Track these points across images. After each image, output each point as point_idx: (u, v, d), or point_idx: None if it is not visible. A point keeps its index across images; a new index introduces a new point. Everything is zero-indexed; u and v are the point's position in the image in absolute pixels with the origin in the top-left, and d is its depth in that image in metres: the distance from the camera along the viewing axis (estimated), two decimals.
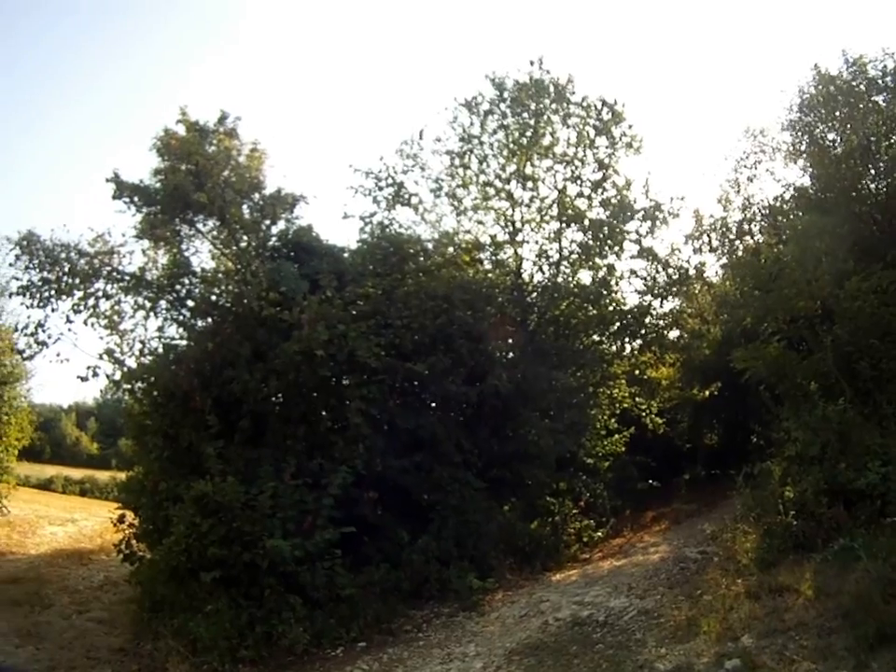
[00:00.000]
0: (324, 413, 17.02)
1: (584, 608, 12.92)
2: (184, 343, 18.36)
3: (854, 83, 17.76)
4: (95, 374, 17.83)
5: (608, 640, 11.08)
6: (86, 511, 30.54)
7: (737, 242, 21.57)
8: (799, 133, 18.93)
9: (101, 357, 17.81)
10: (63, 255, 17.98)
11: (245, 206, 19.20)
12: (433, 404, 18.35)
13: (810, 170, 18.69)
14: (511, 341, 20.52)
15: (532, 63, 22.02)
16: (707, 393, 24.72)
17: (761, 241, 20.44)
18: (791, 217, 18.76)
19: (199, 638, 12.83)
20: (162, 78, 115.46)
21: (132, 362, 18.05)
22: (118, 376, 17.98)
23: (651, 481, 23.51)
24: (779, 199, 19.79)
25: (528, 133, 22.03)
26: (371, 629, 14.01)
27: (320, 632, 13.51)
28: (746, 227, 21.38)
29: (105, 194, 18.37)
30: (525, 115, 22.14)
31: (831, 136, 18.33)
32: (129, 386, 18.08)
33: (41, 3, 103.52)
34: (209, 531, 13.71)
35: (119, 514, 17.09)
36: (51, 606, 16.10)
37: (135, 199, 18.41)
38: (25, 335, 18.36)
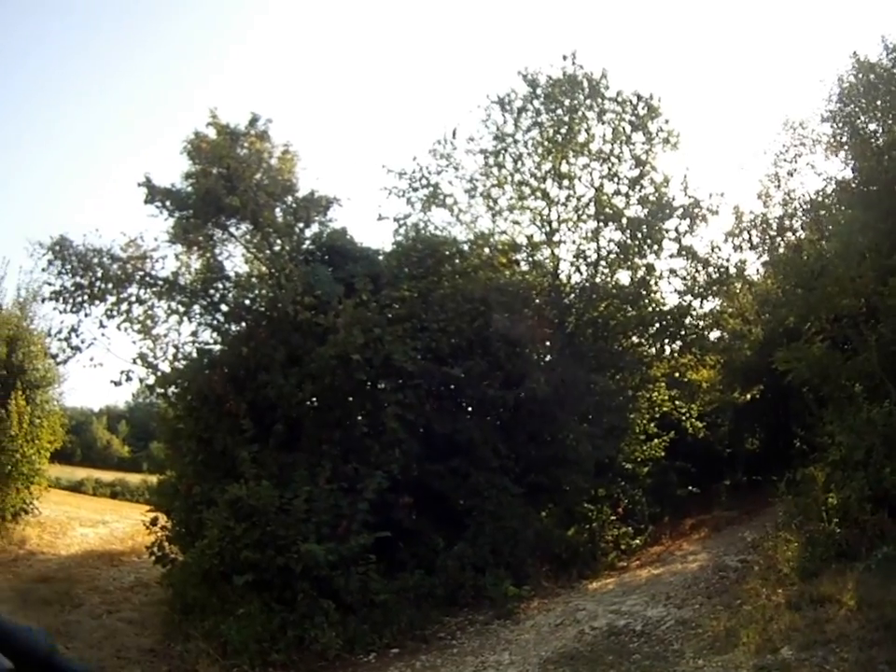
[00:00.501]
0: (359, 418, 16.95)
1: (621, 617, 12.66)
2: (218, 347, 18.24)
3: (895, 70, 17.39)
4: (129, 379, 17.85)
5: (644, 651, 10.87)
6: (116, 513, 30.69)
7: (778, 238, 21.11)
8: (839, 125, 18.53)
9: (134, 362, 17.79)
10: (96, 260, 17.86)
11: (277, 209, 18.98)
12: (470, 408, 18.23)
13: (852, 162, 18.23)
14: (548, 343, 20.21)
15: (565, 59, 21.67)
16: (749, 396, 24.23)
17: (802, 237, 20.01)
18: (834, 211, 18.16)
19: (230, 641, 12.81)
20: (193, 81, 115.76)
21: (165, 367, 17.99)
22: (151, 380, 17.90)
23: (690, 487, 23.13)
24: (821, 193, 19.35)
25: (563, 130, 21.71)
26: (404, 635, 13.88)
27: (353, 637, 13.42)
28: (787, 223, 20.96)
29: (136, 199, 18.26)
30: (560, 111, 21.79)
31: (872, 126, 17.95)
32: (162, 391, 18.06)
33: (68, 7, 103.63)
34: (243, 535, 13.74)
35: (152, 517, 17.09)
36: (81, 605, 16.05)
37: (167, 203, 18.25)
38: (58, 340, 18.32)
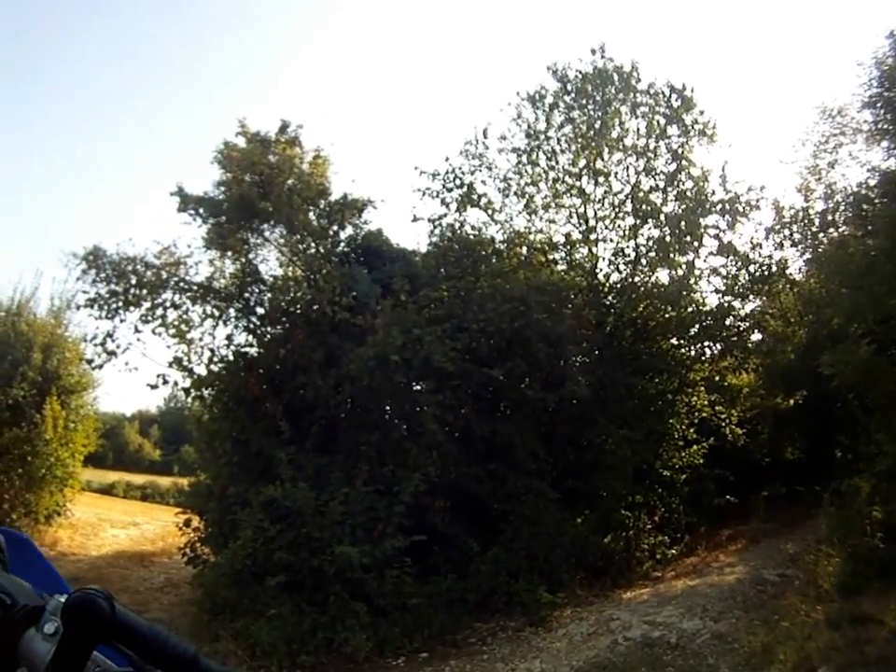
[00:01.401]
0: (397, 420, 16.84)
1: (655, 628, 12.50)
2: (254, 350, 18.34)
3: None
4: (165, 382, 17.97)
5: (678, 664, 10.76)
6: (147, 516, 31.07)
7: (821, 234, 20.75)
8: (881, 111, 18.01)
9: (170, 366, 17.89)
10: (130, 267, 18.02)
11: (312, 213, 19.01)
12: (509, 410, 17.95)
13: (895, 151, 17.89)
14: (587, 344, 19.94)
15: (594, 53, 21.50)
16: (791, 402, 23.74)
17: (846, 233, 19.54)
18: (879, 204, 17.51)
19: (259, 642, 12.83)
20: (221, 88, 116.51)
21: (201, 370, 18.05)
22: (187, 384, 17.97)
23: (728, 496, 22.53)
24: (864, 185, 18.95)
25: (596, 126, 21.41)
26: (434, 640, 13.85)
27: (383, 640, 13.39)
28: (829, 217, 20.61)
29: (168, 210, 18.39)
30: (591, 106, 21.52)
31: None
32: (198, 393, 18.13)
33: (100, 21, 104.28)
34: (277, 536, 13.81)
35: (186, 518, 17.19)
36: None
37: (200, 210, 18.38)
38: (94, 345, 18.44)
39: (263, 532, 13.85)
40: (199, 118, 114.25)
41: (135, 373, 18.41)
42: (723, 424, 22.60)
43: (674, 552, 19.39)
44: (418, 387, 16.66)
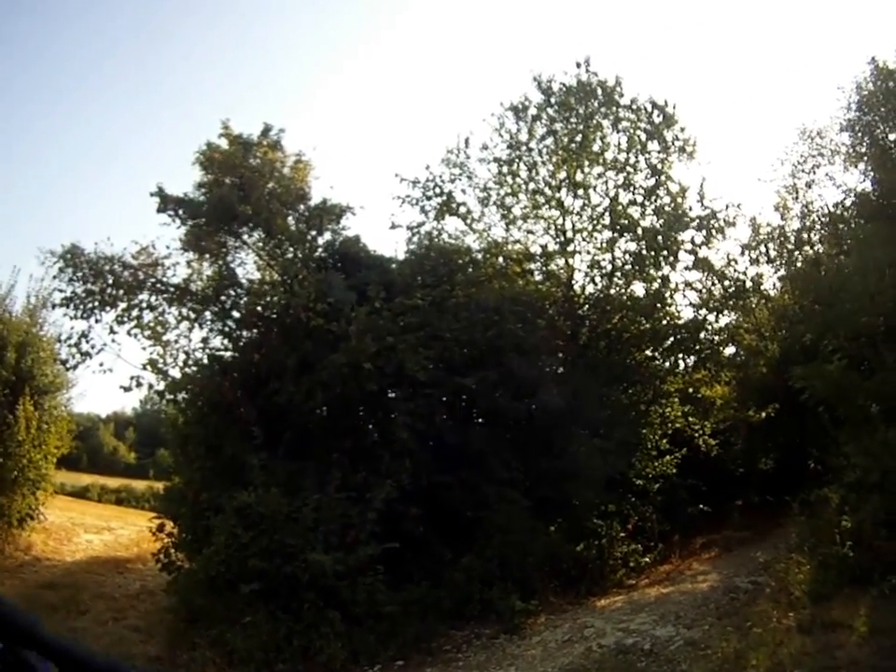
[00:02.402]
0: (370, 427, 16.93)
1: (629, 635, 12.48)
2: (229, 354, 18.25)
3: None
4: (139, 384, 17.85)
5: (652, 670, 10.78)
6: (122, 520, 30.74)
7: (796, 252, 21.01)
8: (859, 134, 18.40)
9: (144, 368, 17.83)
10: (107, 267, 18.02)
11: (290, 218, 19.11)
12: (481, 419, 18.12)
13: (872, 174, 18.08)
14: (561, 355, 20.12)
15: (578, 66, 21.65)
16: (763, 414, 23.81)
17: (821, 251, 19.85)
18: (853, 224, 17.86)
19: (235, 650, 12.76)
20: (205, 91, 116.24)
21: (175, 373, 18.02)
22: (161, 386, 17.90)
23: (701, 505, 22.64)
24: (840, 205, 19.20)
25: (578, 139, 21.62)
26: (409, 648, 13.80)
27: (358, 648, 13.33)
28: (805, 236, 20.87)
29: (147, 209, 18.33)
30: (574, 119, 21.72)
31: (893, 136, 17.76)
32: (172, 396, 18.06)
33: (80, 14, 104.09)
34: (250, 542, 13.71)
35: (159, 523, 17.04)
36: (87, 612, 16.07)
37: (180, 212, 18.40)
38: (68, 346, 18.38)
39: (237, 538, 13.79)
40: (183, 117, 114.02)
41: (110, 375, 18.33)
42: (697, 434, 22.90)
43: (647, 560, 19.42)
44: (391, 395, 16.65)
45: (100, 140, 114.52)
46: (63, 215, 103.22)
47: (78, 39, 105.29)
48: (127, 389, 17.82)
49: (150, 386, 18.04)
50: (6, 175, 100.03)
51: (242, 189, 18.11)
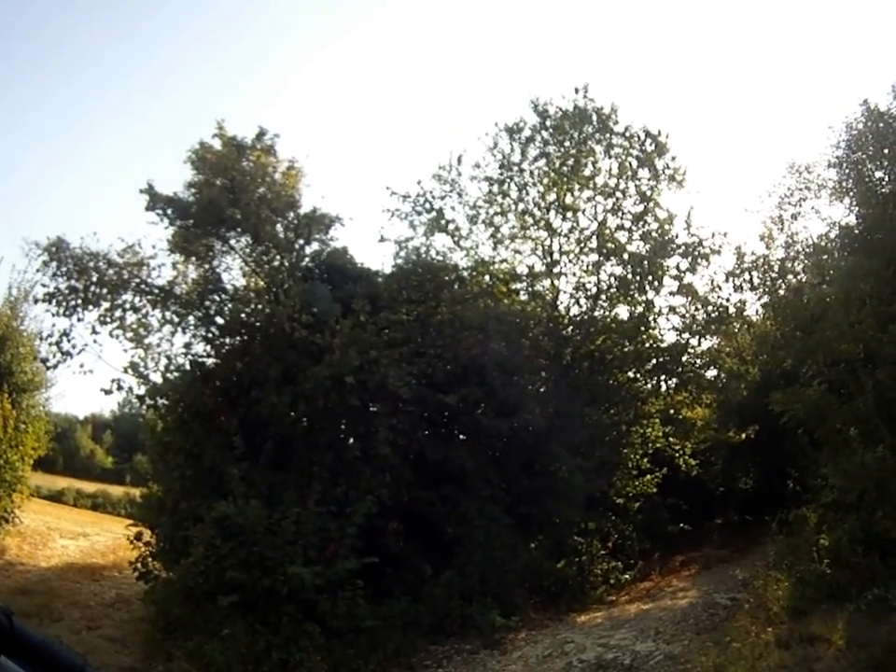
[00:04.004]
0: (351, 441, 16.74)
1: (609, 650, 12.63)
2: (211, 360, 18.07)
3: None
4: (119, 388, 17.68)
5: None
6: (98, 526, 30.35)
7: (779, 281, 21.11)
8: (846, 171, 18.59)
9: (125, 371, 17.66)
10: (92, 264, 17.76)
11: (279, 225, 18.91)
12: (463, 436, 18.08)
13: (856, 209, 18.29)
14: (544, 374, 20.15)
15: (577, 91, 21.74)
16: (744, 435, 24.11)
17: (803, 280, 20.07)
18: (836, 256, 18.08)
19: (213, 662, 12.61)
20: (199, 91, 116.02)
21: (156, 377, 17.83)
22: (142, 391, 17.71)
23: (681, 524, 22.93)
24: (824, 237, 19.38)
25: (570, 162, 21.76)
26: (389, 662, 13.81)
27: (338, 662, 13.28)
28: (789, 265, 21.01)
29: (136, 204, 18.13)
30: (568, 143, 21.88)
31: (879, 174, 17.96)
32: (152, 402, 17.84)
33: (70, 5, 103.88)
34: (229, 554, 13.55)
35: (137, 532, 16.76)
36: (61, 620, 15.77)
37: (168, 211, 18.15)
38: (49, 343, 18.11)
39: (215, 549, 13.63)
40: (176, 114, 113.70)
41: (90, 376, 18.15)
42: (678, 455, 23.19)
43: (627, 576, 19.65)
44: (373, 409, 16.58)
45: (90, 132, 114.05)
46: (49, 206, 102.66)
47: (70, 31, 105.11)
48: (107, 392, 17.66)
49: (130, 390, 17.89)
50: None
51: (232, 192, 17.93)
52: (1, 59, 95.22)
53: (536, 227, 22.31)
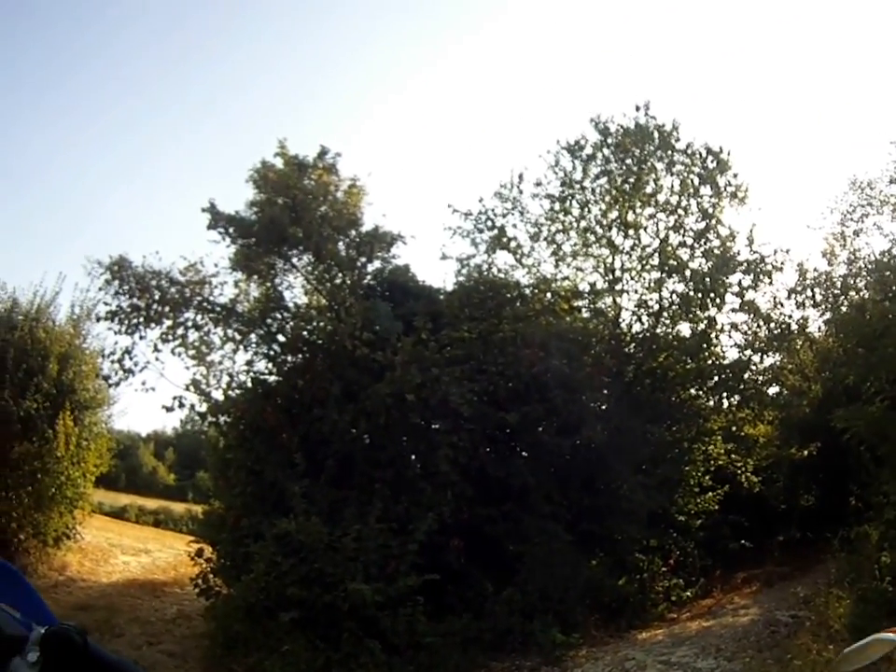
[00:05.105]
0: (413, 458, 16.82)
1: (670, 668, 12.58)
2: (273, 378, 18.19)
3: None
4: (181, 405, 17.85)
5: None
6: (159, 543, 30.55)
7: (842, 297, 20.93)
8: None
9: (187, 388, 17.82)
10: (154, 282, 17.93)
11: (341, 243, 18.98)
12: (524, 453, 17.96)
13: None
14: (606, 391, 20.03)
15: (637, 109, 21.65)
16: (806, 452, 23.78)
17: (866, 297, 19.79)
18: None
19: None
20: (260, 112, 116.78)
21: (218, 395, 18.00)
22: (203, 408, 17.86)
23: (743, 541, 22.71)
24: (887, 254, 19.17)
25: (631, 180, 21.60)
26: None
27: None
28: (851, 282, 20.80)
29: (198, 224, 18.33)
30: (629, 161, 21.73)
31: None
32: (214, 419, 18.01)
33: (144, 29, 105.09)
34: (290, 570, 13.64)
35: (198, 548, 16.89)
36: (122, 635, 15.83)
37: (230, 230, 18.31)
38: (111, 361, 18.33)
39: (276, 566, 13.73)
40: (238, 134, 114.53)
41: (152, 393, 18.29)
42: (739, 472, 22.87)
43: (689, 594, 19.42)
44: (435, 427, 16.62)
45: (152, 152, 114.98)
46: (110, 225, 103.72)
47: (133, 52, 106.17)
48: (169, 409, 17.84)
49: (192, 407, 18.05)
50: (58, 185, 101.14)
51: (294, 211, 18.01)
52: (63, 79, 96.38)
53: (597, 244, 22.19)
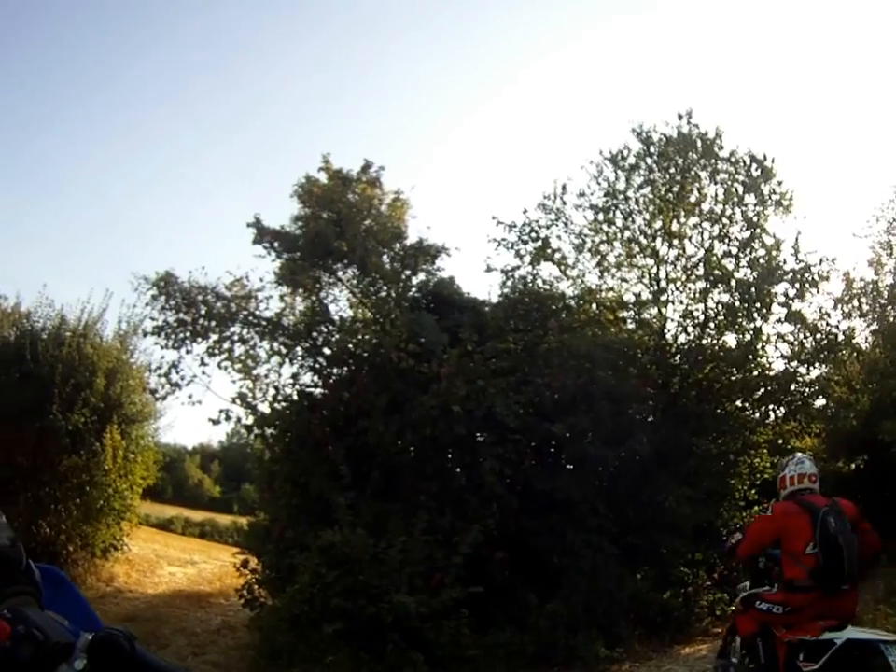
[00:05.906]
0: (458, 470, 16.74)
1: None
2: (319, 391, 18.26)
3: None
4: (227, 418, 17.93)
5: None
6: (205, 554, 30.81)
7: (889, 307, 20.73)
8: None
9: (233, 401, 17.90)
10: (200, 297, 18.15)
11: (385, 256, 19.11)
12: (570, 465, 17.90)
13: None
14: (652, 403, 19.89)
15: (680, 117, 21.49)
16: (853, 465, 23.47)
17: None
18: None
19: None
20: (306, 125, 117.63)
21: (264, 407, 18.09)
22: (249, 421, 17.95)
23: None
24: None
25: (675, 189, 21.44)
26: None
27: None
28: None
29: (243, 239, 18.46)
30: (672, 170, 21.59)
31: None
32: (260, 432, 18.07)
33: (194, 48, 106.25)
34: (334, 582, 13.65)
35: (243, 559, 17.05)
36: (168, 646, 15.97)
37: (275, 244, 18.48)
38: (158, 375, 18.51)
39: (321, 577, 13.75)
40: (281, 149, 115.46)
41: (198, 407, 18.41)
42: None
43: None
44: (480, 439, 16.64)
45: (199, 168, 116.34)
46: (156, 241, 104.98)
47: (179, 70, 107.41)
48: (215, 422, 17.94)
49: (238, 420, 18.16)
50: (107, 203, 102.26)
51: (338, 225, 18.16)
52: (110, 99, 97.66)
53: (642, 255, 22.02)
